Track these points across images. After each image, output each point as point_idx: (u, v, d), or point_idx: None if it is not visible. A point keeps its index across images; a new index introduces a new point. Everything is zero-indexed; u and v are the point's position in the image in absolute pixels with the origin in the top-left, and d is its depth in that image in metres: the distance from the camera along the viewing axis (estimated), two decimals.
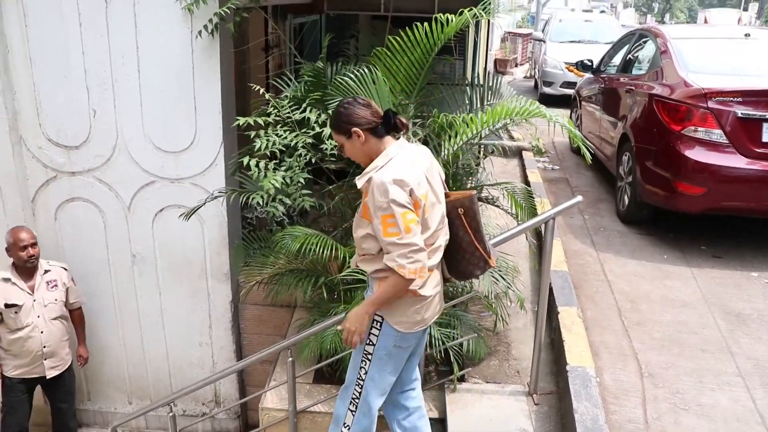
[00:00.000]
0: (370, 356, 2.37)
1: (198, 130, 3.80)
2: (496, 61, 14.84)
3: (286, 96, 3.24)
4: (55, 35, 3.70)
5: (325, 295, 3.37)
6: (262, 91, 3.15)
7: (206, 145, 3.82)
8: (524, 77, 14.57)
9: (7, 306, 3.65)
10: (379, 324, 2.32)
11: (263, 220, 4.42)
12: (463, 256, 2.39)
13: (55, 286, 3.82)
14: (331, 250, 3.17)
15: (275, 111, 3.10)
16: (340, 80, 3.08)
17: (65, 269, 3.89)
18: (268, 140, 3.01)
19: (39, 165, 3.96)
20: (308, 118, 3.10)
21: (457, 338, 3.25)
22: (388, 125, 2.24)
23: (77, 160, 3.92)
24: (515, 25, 19.45)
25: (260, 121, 3.15)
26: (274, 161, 3.15)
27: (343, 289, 3.32)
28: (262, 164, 3.10)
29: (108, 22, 3.65)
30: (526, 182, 5.75)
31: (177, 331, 4.28)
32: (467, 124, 3.05)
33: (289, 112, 3.09)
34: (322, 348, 3.22)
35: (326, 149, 3.10)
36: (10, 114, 3.83)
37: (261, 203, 3.05)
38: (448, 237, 2.37)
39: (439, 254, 2.33)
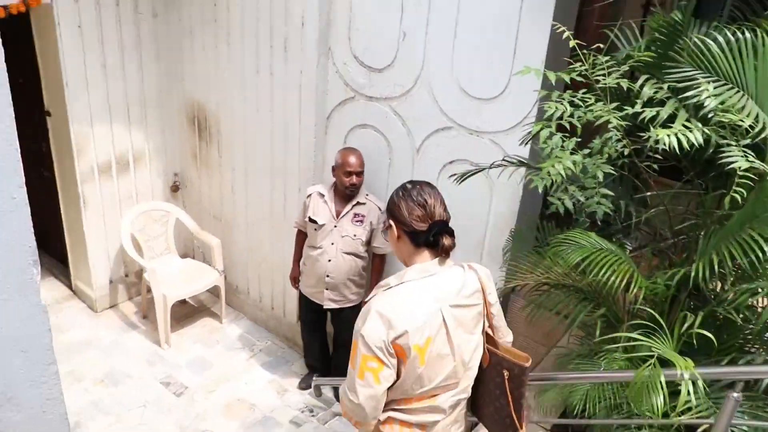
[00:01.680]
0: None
1: (512, 80, 3.33)
2: None
3: (612, 56, 2.52)
4: None
5: (598, 332, 2.70)
6: (567, 34, 2.48)
7: (517, 101, 3.33)
8: None
9: (310, 220, 3.94)
10: None
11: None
12: (493, 413, 2.26)
13: (360, 222, 3.90)
14: (624, 277, 2.48)
15: (585, 69, 2.43)
16: (698, 45, 2.24)
17: (381, 210, 3.92)
18: (559, 106, 2.39)
19: (340, 82, 4.00)
20: (633, 90, 2.36)
21: None
22: (428, 239, 2.05)
23: (377, 84, 3.84)
24: None
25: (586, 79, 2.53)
26: (576, 138, 2.52)
27: (627, 335, 2.60)
28: (556, 138, 2.51)
29: None
30: None
31: None
32: None
33: (604, 76, 2.38)
34: (567, 401, 2.61)
35: (651, 139, 2.34)
36: (323, 23, 3.90)
37: (539, 187, 2.49)
38: (468, 395, 2.23)
39: (440, 416, 2.15)
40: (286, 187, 4.56)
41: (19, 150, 1.73)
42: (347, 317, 4.14)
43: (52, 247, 5.79)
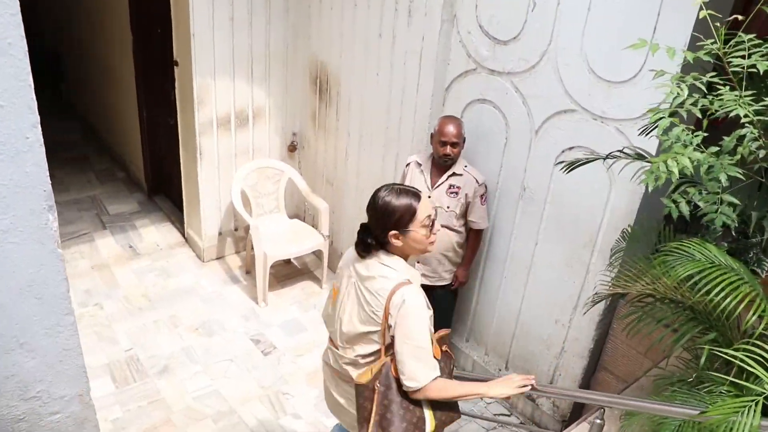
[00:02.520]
0: None
1: (647, 62, 3.11)
2: None
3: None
4: None
5: (703, 360, 2.50)
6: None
7: (651, 86, 3.11)
8: None
9: None
10: None
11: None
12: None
13: (455, 194, 3.88)
14: (742, 301, 2.28)
15: (718, 48, 2.21)
16: None
17: (478, 183, 3.88)
18: (678, 90, 2.20)
19: (463, 52, 3.93)
20: None
21: None
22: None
23: (501, 57, 3.73)
24: None
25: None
26: (704, 133, 2.32)
27: (740, 365, 2.39)
28: (677, 130, 2.32)
29: None
30: None
31: (538, 293, 3.96)
32: None
33: (743, 57, 2.15)
34: None
35: None
36: None
37: (649, 185, 2.32)
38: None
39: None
40: (398, 156, 4.58)
41: (32, 87, 1.76)
42: (437, 296, 4.11)
43: (173, 194, 6.22)
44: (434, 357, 2.47)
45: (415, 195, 2.45)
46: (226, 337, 4.72)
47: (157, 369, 4.36)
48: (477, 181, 3.89)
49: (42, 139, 1.80)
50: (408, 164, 4.08)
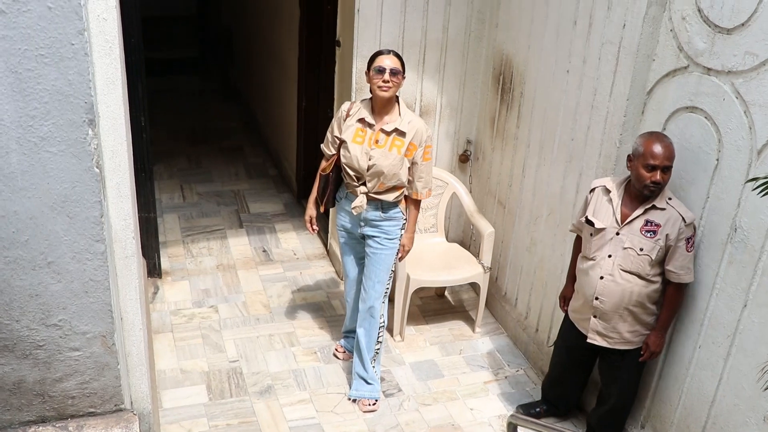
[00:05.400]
0: (395, 255, 4.43)
1: None
2: None
3: None
4: None
5: None
6: None
7: None
8: None
9: (587, 221, 3.84)
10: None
11: None
12: None
13: (652, 233, 3.63)
14: None
15: None
16: None
17: (686, 222, 3.59)
18: None
19: (673, 44, 3.65)
20: None
21: None
22: None
23: (721, 51, 3.42)
24: None
25: None
26: None
27: None
28: None
29: None
30: None
31: (742, 375, 3.52)
32: None
33: None
34: None
35: None
36: None
37: None
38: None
39: None
40: (582, 176, 4.37)
41: None
42: (617, 365, 3.90)
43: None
44: None
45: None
46: (345, 367, 4.74)
47: (258, 387, 4.48)
48: (684, 219, 3.58)
49: (88, 48, 1.94)
50: (593, 189, 3.89)
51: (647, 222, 3.64)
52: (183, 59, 10.72)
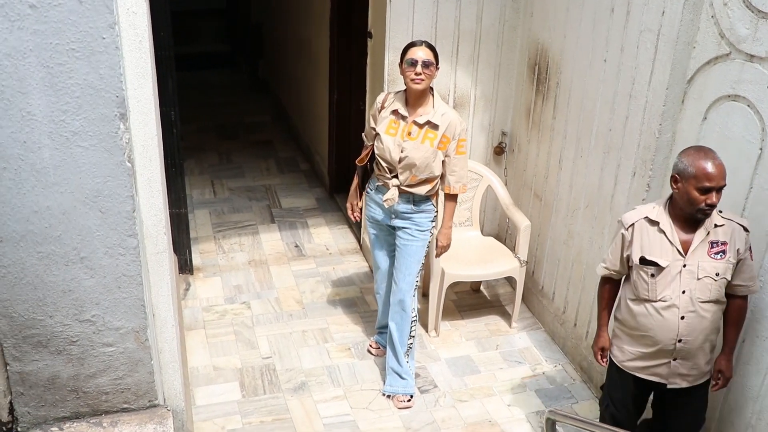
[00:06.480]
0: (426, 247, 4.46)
1: None
2: None
3: None
4: None
5: None
6: None
7: None
8: None
9: (646, 262, 3.47)
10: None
11: None
12: None
13: (723, 252, 3.39)
14: None
15: None
16: None
17: (745, 229, 3.43)
18: None
19: (714, 31, 3.60)
20: None
21: None
22: None
23: (764, 37, 3.37)
24: None
25: None
26: None
27: None
28: None
29: None
30: None
31: None
32: None
33: None
34: None
35: None
36: None
37: None
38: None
39: None
40: (619, 167, 4.33)
41: None
42: (682, 400, 3.60)
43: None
44: None
45: None
46: (379, 363, 4.75)
47: (292, 384, 4.52)
48: (744, 228, 3.41)
49: (119, 43, 1.98)
50: (630, 226, 3.54)
51: (712, 244, 3.39)
52: (213, 54, 10.81)
